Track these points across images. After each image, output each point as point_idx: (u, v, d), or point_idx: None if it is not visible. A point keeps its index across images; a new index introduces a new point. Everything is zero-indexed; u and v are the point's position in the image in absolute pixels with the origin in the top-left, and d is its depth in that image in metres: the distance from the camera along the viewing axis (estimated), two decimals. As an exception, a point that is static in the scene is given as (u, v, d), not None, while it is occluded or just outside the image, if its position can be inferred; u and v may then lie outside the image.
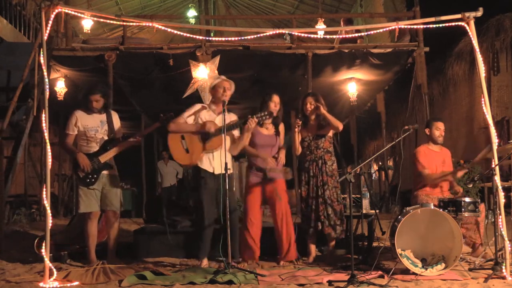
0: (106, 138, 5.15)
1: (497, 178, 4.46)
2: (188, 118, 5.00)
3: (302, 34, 6.22)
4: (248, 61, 8.73)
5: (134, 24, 10.91)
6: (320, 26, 10.20)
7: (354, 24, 10.62)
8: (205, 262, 4.92)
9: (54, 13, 4.59)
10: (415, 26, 7.52)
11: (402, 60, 8.86)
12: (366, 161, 14.03)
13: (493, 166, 4.56)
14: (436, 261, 4.48)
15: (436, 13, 4.93)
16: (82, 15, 7.35)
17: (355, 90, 9.79)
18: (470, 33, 4.77)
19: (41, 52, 4.66)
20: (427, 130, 5.38)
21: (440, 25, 4.95)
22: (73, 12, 5.52)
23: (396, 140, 4.96)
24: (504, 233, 4.43)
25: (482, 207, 4.89)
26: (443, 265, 4.44)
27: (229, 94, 5.02)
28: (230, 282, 4.15)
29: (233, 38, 8.92)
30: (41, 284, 4.11)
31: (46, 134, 4.39)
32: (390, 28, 5.45)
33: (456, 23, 4.84)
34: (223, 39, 9.87)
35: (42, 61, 4.60)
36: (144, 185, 12.67)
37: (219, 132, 4.85)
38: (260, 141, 5.19)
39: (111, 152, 5.11)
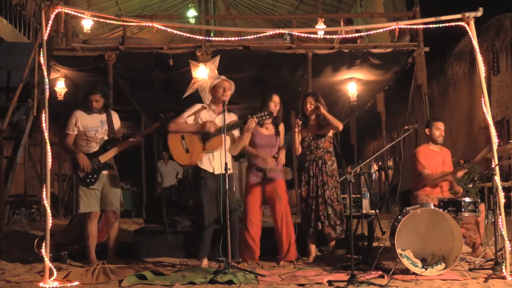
0: (106, 138, 5.15)
1: (497, 178, 4.46)
2: (188, 118, 5.00)
3: (302, 34, 6.22)
4: (248, 61, 8.73)
5: (134, 24, 10.91)
6: (320, 26, 10.20)
7: (354, 24, 10.62)
8: (205, 262, 4.92)
9: (54, 13, 4.59)
10: (415, 26, 7.52)
11: (402, 60, 8.86)
12: (366, 161, 14.03)
13: (493, 166, 4.56)
14: (436, 261, 4.48)
15: (436, 13, 4.93)
16: (82, 15, 7.35)
17: (355, 90, 9.79)
18: (470, 33, 4.77)
19: (41, 52, 4.66)
20: (427, 130, 5.38)
21: (440, 25, 4.95)
22: (73, 12, 5.52)
23: (396, 140, 4.96)
24: (504, 233, 4.43)
25: (482, 207, 4.89)
26: (443, 265, 4.44)
27: (229, 94, 5.02)
28: (230, 282, 4.15)
29: (233, 38, 8.92)
30: (41, 284, 4.11)
31: (46, 134, 4.39)
32: (390, 28, 5.45)
33: (456, 23, 4.84)
34: (223, 39, 9.88)
35: (42, 61, 4.61)
36: (144, 185, 12.67)
37: (219, 132, 4.85)
38: (260, 141, 5.19)
39: (111, 152, 5.11)
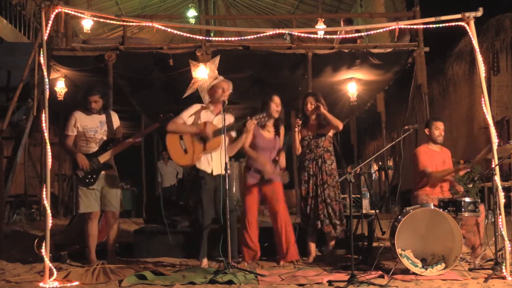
0: (105, 138, 5.14)
1: (497, 178, 4.46)
2: (188, 118, 4.99)
3: (302, 34, 6.21)
4: (248, 61, 8.73)
5: (134, 24, 10.91)
6: (320, 26, 10.21)
7: (354, 24, 10.62)
8: (205, 262, 4.92)
9: (54, 13, 4.59)
10: (415, 26, 7.53)
11: (402, 60, 8.86)
12: (366, 161, 14.05)
13: (493, 166, 4.56)
14: (436, 261, 4.48)
15: (436, 13, 4.93)
16: (82, 15, 7.36)
17: (355, 90, 9.79)
18: (470, 33, 4.77)
19: (41, 52, 4.66)
20: (426, 130, 5.38)
21: (440, 25, 4.95)
22: (73, 12, 5.52)
23: (396, 140, 4.96)
24: (504, 233, 4.43)
25: (481, 207, 4.89)
26: (443, 265, 4.44)
27: (227, 94, 5.02)
28: (230, 282, 4.15)
29: (233, 38, 8.92)
30: (41, 284, 4.11)
31: (46, 134, 4.39)
32: (390, 28, 5.45)
33: (456, 23, 4.84)
34: (223, 39, 9.88)
35: (42, 61, 4.61)
36: (144, 185, 12.68)
37: (217, 134, 4.86)
38: (260, 144, 5.19)
39: (111, 152, 5.10)
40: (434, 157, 5.27)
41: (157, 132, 11.45)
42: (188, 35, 5.59)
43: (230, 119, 5.01)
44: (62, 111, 10.66)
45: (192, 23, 12.14)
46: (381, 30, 7.73)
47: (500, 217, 4.42)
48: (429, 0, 9.97)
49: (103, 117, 5.18)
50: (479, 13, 4.73)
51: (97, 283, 4.25)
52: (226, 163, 4.58)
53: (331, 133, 5.43)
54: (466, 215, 4.65)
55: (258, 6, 14.07)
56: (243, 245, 5.10)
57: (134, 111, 11.69)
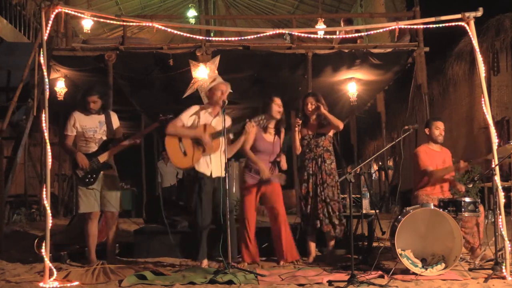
0: (104, 138, 5.14)
1: (497, 178, 4.46)
2: (188, 119, 4.98)
3: (302, 34, 6.22)
4: (248, 61, 8.73)
5: (134, 24, 10.91)
6: (320, 26, 10.21)
7: (354, 24, 10.62)
8: (205, 263, 4.92)
9: (54, 13, 4.59)
10: (415, 26, 7.52)
11: (402, 60, 8.86)
12: (366, 161, 14.06)
13: (493, 166, 4.56)
14: (436, 261, 4.48)
15: (436, 13, 4.93)
16: (82, 15, 7.36)
17: (355, 90, 9.79)
18: (470, 33, 4.77)
19: (41, 52, 4.66)
20: (426, 130, 5.38)
21: (440, 25, 4.95)
22: (73, 12, 5.52)
23: (396, 140, 4.96)
24: (504, 233, 4.43)
25: (481, 208, 4.89)
26: (443, 265, 4.44)
27: (226, 96, 5.01)
28: (230, 282, 4.15)
29: (233, 38, 8.92)
30: (41, 284, 4.11)
31: (46, 134, 4.40)
32: (390, 28, 5.45)
33: (456, 23, 4.84)
34: (223, 39, 9.88)
35: (42, 61, 4.61)
36: (144, 185, 12.67)
37: (216, 136, 4.86)
38: (261, 147, 5.19)
39: (110, 152, 5.10)
40: (434, 157, 5.27)
41: (157, 132, 11.46)
42: (188, 35, 5.59)
43: (227, 121, 5.00)
44: (62, 111, 10.65)
45: (192, 23, 12.14)
46: (381, 30, 7.73)
47: (500, 217, 4.42)
48: (429, 0, 9.97)
49: (102, 117, 5.18)
50: (479, 13, 4.73)
51: (97, 283, 4.25)
52: (226, 163, 4.58)
53: (331, 133, 5.43)
54: (466, 215, 4.66)
55: (258, 6, 14.07)
56: (242, 245, 5.10)
57: (134, 111, 11.69)
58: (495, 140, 4.61)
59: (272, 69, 9.03)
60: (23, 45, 11.07)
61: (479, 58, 4.76)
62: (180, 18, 13.15)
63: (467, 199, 4.68)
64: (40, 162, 11.32)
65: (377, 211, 5.92)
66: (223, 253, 4.52)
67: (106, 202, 5.08)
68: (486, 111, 4.68)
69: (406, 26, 7.21)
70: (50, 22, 4.57)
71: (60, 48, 8.43)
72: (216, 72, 8.02)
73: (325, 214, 5.24)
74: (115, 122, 5.24)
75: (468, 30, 4.77)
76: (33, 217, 10.27)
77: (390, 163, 17.81)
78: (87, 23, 10.43)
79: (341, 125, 5.33)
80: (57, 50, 8.34)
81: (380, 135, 14.72)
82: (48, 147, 4.41)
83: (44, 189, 4.33)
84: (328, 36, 8.79)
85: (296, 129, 5.38)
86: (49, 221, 4.29)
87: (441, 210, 4.58)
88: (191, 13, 13.47)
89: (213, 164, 4.93)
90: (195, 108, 5.05)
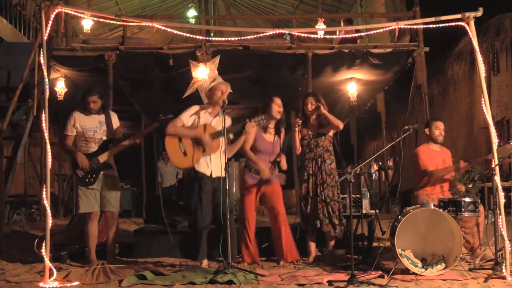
0: (104, 138, 5.14)
1: (497, 178, 4.46)
2: (188, 119, 4.98)
3: (302, 34, 6.22)
4: (248, 61, 8.73)
5: (134, 24, 10.91)
6: (320, 26, 10.20)
7: (354, 24, 10.62)
8: (205, 263, 4.92)
9: (54, 13, 4.59)
10: (415, 26, 7.53)
11: (402, 60, 8.86)
12: (366, 161, 14.06)
13: (493, 166, 4.56)
14: (436, 261, 4.48)
15: (436, 13, 4.93)
16: (82, 15, 7.36)
17: (355, 90, 9.79)
18: (470, 33, 4.77)
19: (41, 52, 4.66)
20: (427, 130, 5.38)
21: (440, 25, 4.95)
22: (73, 12, 5.52)
23: (396, 140, 4.96)
24: (504, 233, 4.43)
25: (481, 208, 4.89)
26: (443, 265, 4.44)
27: (225, 96, 5.01)
28: (230, 282, 4.15)
29: (233, 38, 8.92)
30: (41, 284, 4.11)
31: (46, 134, 4.40)
32: (390, 28, 5.46)
33: (456, 23, 4.84)
34: (223, 39, 9.87)
35: (42, 61, 4.61)
36: (144, 185, 12.67)
37: (215, 136, 4.86)
38: (261, 147, 5.19)
39: (110, 152, 5.11)
40: (434, 157, 5.27)
41: (157, 132, 11.47)
42: (188, 35, 5.59)
43: (227, 121, 5.01)
44: (62, 111, 10.65)
45: (192, 23, 12.14)
46: (381, 30, 7.73)
47: (500, 217, 4.42)
48: (429, 0, 9.97)
49: (102, 117, 5.18)
50: (479, 13, 4.73)
51: (97, 283, 4.25)
52: (226, 163, 4.58)
53: (331, 133, 5.43)
54: (466, 215, 4.66)
55: (258, 6, 14.06)
56: (242, 245, 5.11)
57: (134, 111, 11.69)
58: (495, 140, 4.61)
59: (272, 69, 9.03)
60: (23, 45, 11.09)
61: (479, 58, 4.76)
62: (180, 18, 13.15)
63: (467, 199, 4.68)
64: (40, 162, 11.32)
65: (377, 211, 5.92)
66: (223, 253, 4.53)
67: (106, 202, 5.08)
68: (486, 111, 4.68)
69: (406, 26, 7.21)
70: (50, 22, 4.57)
71: (60, 48, 8.42)
72: (216, 72, 8.02)
73: (325, 214, 5.24)
74: (115, 122, 5.24)
75: (468, 30, 4.77)
76: (33, 217, 10.27)
77: (390, 163, 17.81)
78: (87, 23, 10.43)
79: (341, 125, 5.33)
80: (57, 50, 8.34)
81: (380, 135, 14.72)
82: (48, 147, 4.41)
83: (44, 189, 4.33)
84: (328, 36, 8.79)
85: (296, 129, 5.38)
86: (49, 221, 4.29)
87: (441, 210, 4.58)
88: (191, 13, 13.47)
89: (213, 164, 4.93)
90: (195, 108, 5.05)
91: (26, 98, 7.29)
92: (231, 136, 5.05)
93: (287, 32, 5.11)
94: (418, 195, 5.20)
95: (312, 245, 5.39)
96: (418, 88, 8.63)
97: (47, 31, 4.52)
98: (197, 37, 6.43)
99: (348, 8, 12.99)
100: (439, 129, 5.32)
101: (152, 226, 6.25)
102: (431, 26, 5.19)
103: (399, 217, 4.64)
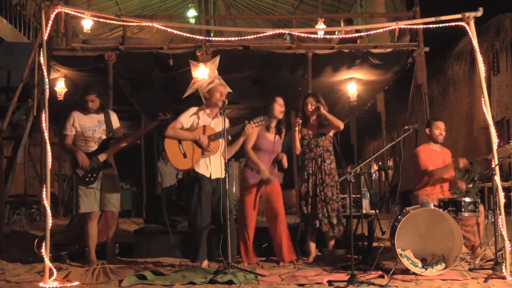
0: (104, 137, 5.15)
1: (497, 178, 4.46)
2: (188, 120, 4.98)
3: (302, 34, 6.22)
4: (248, 61, 8.72)
5: (134, 24, 10.91)
6: (320, 26, 10.20)
7: (354, 24, 10.62)
8: (205, 263, 4.92)
9: (54, 13, 4.59)
10: (415, 26, 7.52)
11: (402, 60, 8.86)
12: (366, 161, 14.04)
13: (493, 166, 4.56)
14: (436, 261, 4.48)
15: (436, 13, 4.93)
16: (82, 15, 7.36)
17: (355, 90, 9.78)
18: (470, 33, 4.77)
19: (41, 52, 4.66)
20: (427, 130, 5.38)
21: (440, 25, 4.95)
22: (73, 12, 5.52)
23: (396, 140, 4.96)
24: (504, 233, 4.43)
25: (481, 208, 4.89)
26: (443, 265, 4.44)
27: (224, 97, 5.01)
28: (230, 282, 4.15)
29: (233, 38, 8.92)
30: (41, 284, 4.11)
31: (46, 134, 4.40)
32: (390, 28, 5.46)
33: (456, 23, 4.84)
34: (223, 39, 9.87)
35: (42, 61, 4.61)
36: (144, 185, 12.67)
37: (215, 138, 4.86)
38: (263, 146, 5.19)
39: (110, 151, 5.11)
40: (435, 156, 5.27)
41: (157, 132, 11.47)
42: (188, 35, 5.59)
43: (226, 122, 5.01)
44: (62, 111, 10.62)
45: (192, 23, 12.14)
46: (381, 30, 7.73)
47: (500, 217, 4.42)
48: (429, 0, 9.97)
49: (101, 116, 5.18)
50: (479, 13, 4.73)
51: (97, 283, 4.26)
52: (226, 163, 4.58)
53: (331, 133, 5.44)
54: (466, 215, 4.66)
55: (258, 6, 14.06)
56: (242, 245, 5.11)
57: (134, 111, 11.68)
58: (495, 140, 4.61)
59: (272, 69, 9.03)
60: (23, 45, 11.09)
61: (479, 58, 4.76)
62: (180, 18, 13.15)
63: (467, 199, 4.68)
64: (40, 162, 11.32)
65: (377, 211, 5.92)
66: (223, 253, 4.53)
67: (106, 201, 5.08)
68: (486, 111, 4.68)
69: (406, 26, 7.21)
70: (50, 22, 4.57)
71: (60, 48, 8.42)
72: (216, 72, 8.02)
73: (324, 214, 5.24)
74: (115, 121, 5.24)
75: (468, 30, 4.77)
76: (33, 217, 10.27)
77: (390, 163, 17.81)
78: (87, 23, 10.43)
79: (341, 125, 5.34)
80: (57, 50, 8.34)
81: (380, 135, 14.72)
82: (48, 147, 4.41)
83: (44, 189, 4.33)
84: (328, 36, 8.79)
85: (296, 129, 5.38)
86: (49, 221, 4.29)
87: (441, 210, 4.58)
88: (191, 13, 13.46)
89: (212, 166, 4.93)
90: (193, 109, 5.05)
91: (26, 98, 7.29)
92: (230, 137, 5.05)
93: (287, 32, 5.12)
94: (418, 195, 5.20)
95: (312, 245, 5.39)
96: (418, 88, 8.63)
97: (47, 31, 4.52)
98: (197, 37, 6.43)
99: (348, 8, 12.99)
100: (439, 129, 5.32)
101: (152, 226, 6.25)
102: (431, 26, 5.19)
103: (399, 217, 4.64)
